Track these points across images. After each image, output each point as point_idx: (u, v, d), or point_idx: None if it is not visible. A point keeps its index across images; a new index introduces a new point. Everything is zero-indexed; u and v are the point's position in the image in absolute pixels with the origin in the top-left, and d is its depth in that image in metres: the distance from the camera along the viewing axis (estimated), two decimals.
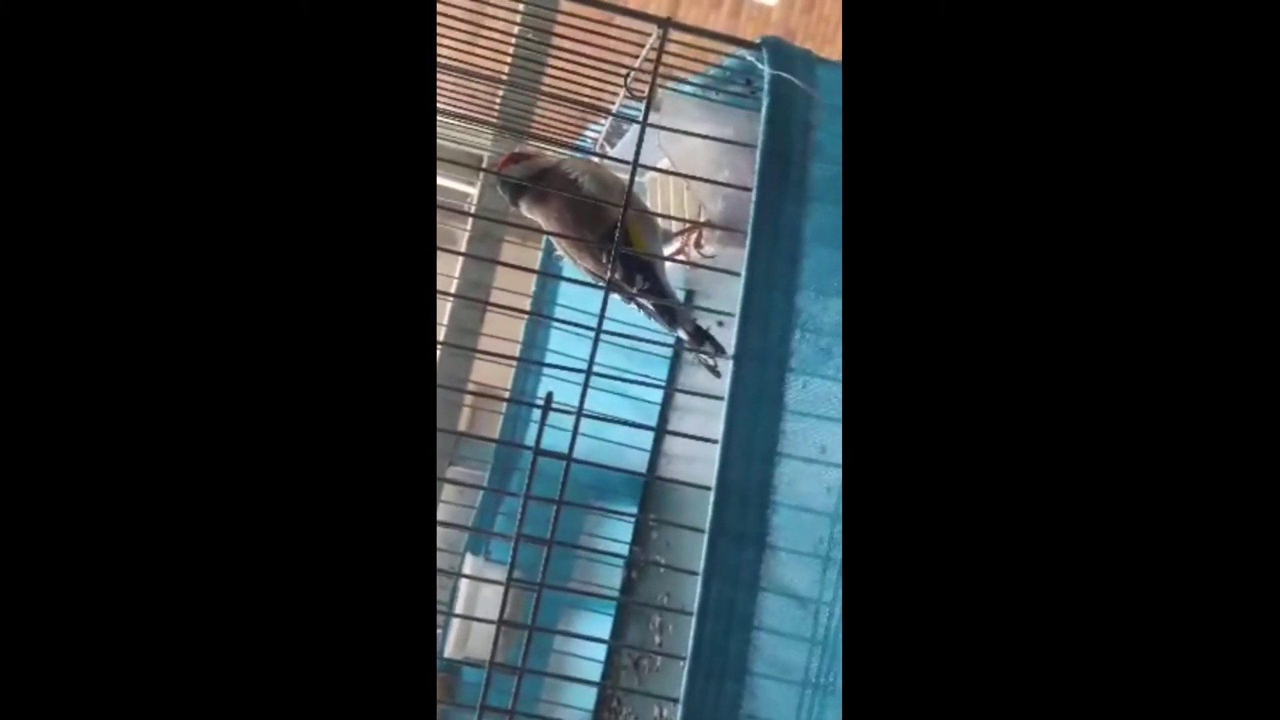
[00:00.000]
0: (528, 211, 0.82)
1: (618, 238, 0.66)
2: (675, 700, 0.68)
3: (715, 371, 0.74)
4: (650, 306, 0.76)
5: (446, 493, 1.11)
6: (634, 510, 1.09)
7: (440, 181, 1.15)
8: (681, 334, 0.77)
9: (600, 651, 1.10)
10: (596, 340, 0.66)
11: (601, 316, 0.66)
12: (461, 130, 1.06)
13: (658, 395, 1.09)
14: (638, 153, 0.63)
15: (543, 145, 0.89)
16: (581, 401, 0.66)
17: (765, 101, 0.65)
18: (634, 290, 0.76)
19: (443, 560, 1.11)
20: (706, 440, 0.67)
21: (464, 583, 1.11)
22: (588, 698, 1.12)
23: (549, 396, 0.67)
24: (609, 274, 0.67)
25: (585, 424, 0.66)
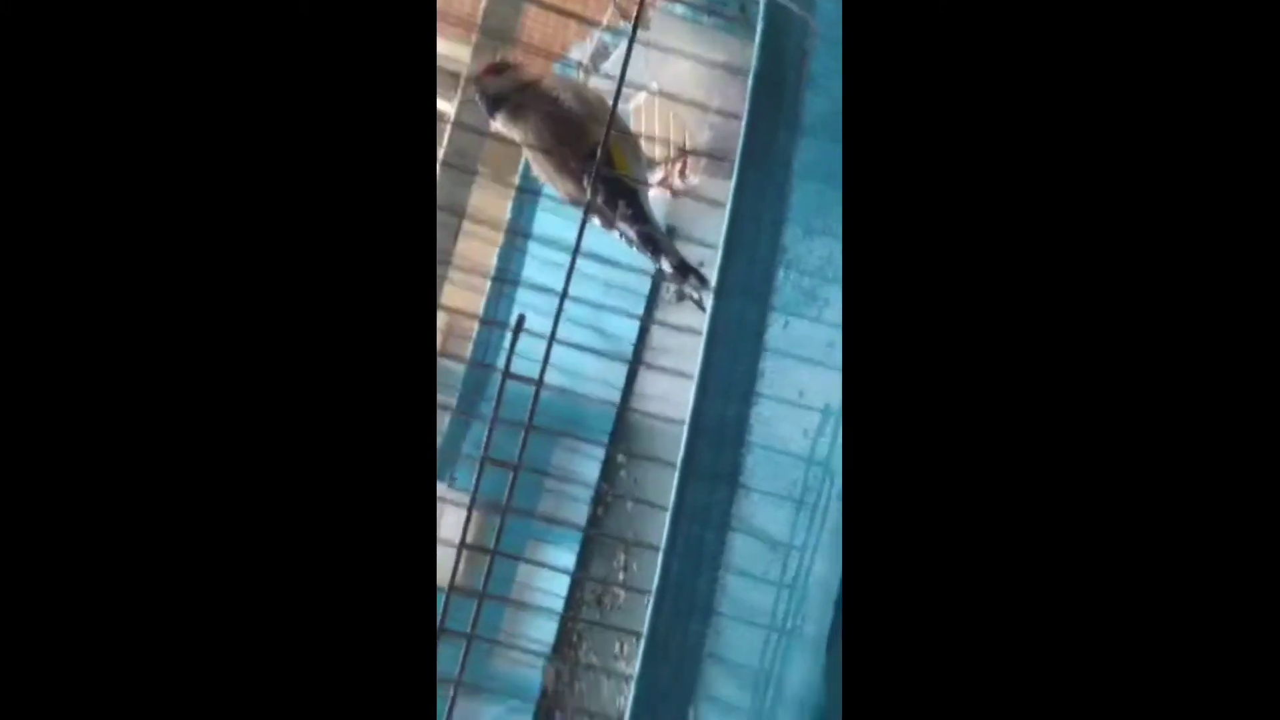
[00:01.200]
0: (505, 126, 0.78)
1: (599, 158, 0.63)
2: (637, 635, 0.68)
3: (700, 305, 0.71)
4: (632, 234, 0.74)
5: None
6: (603, 445, 1.07)
7: None
8: (665, 265, 0.74)
9: (563, 585, 1.10)
10: (573, 265, 0.64)
11: (579, 241, 0.64)
12: (439, 42, 1.02)
13: (633, 331, 1.07)
14: (623, 71, 0.60)
15: (526, 57, 0.86)
16: (555, 326, 0.64)
17: (759, 27, 0.62)
18: (615, 215, 0.73)
19: None
20: (681, 375, 0.65)
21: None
22: (548, 630, 1.12)
23: (520, 318, 0.65)
24: (589, 197, 0.65)
25: (558, 357, 0.64)
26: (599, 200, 0.71)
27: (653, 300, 1.08)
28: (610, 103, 0.61)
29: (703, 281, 0.69)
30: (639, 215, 0.72)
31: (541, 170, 0.79)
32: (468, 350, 1.10)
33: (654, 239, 0.74)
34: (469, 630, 0.65)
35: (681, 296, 1.01)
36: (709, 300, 0.65)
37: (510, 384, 0.66)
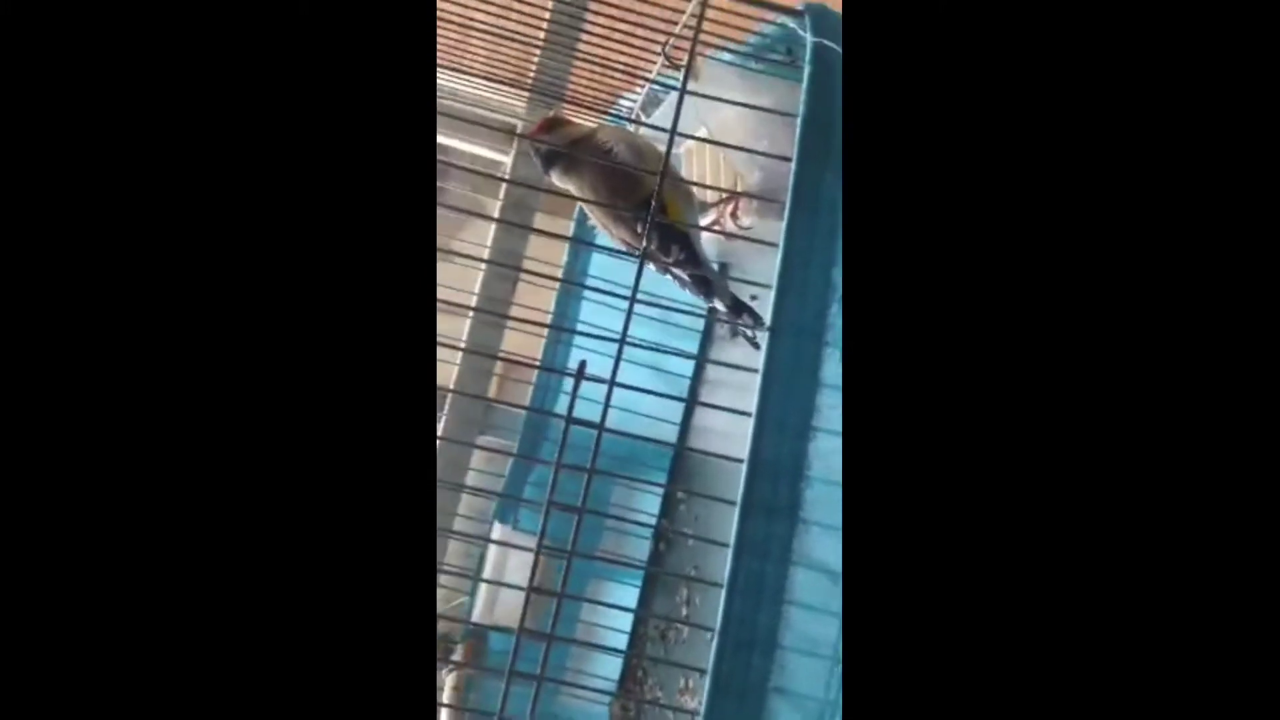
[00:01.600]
0: (560, 180, 0.81)
1: (654, 207, 0.65)
2: (701, 671, 0.68)
3: (754, 344, 0.73)
4: (685, 277, 0.76)
5: (476, 460, 1.11)
6: (663, 483, 1.09)
7: (473, 149, 1.15)
8: (719, 305, 0.76)
9: (626, 622, 1.10)
10: (630, 310, 0.65)
11: (635, 286, 0.66)
12: (495, 95, 1.06)
13: (688, 369, 1.08)
14: (676, 119, 0.62)
15: (578, 110, 0.88)
16: (614, 371, 0.66)
17: (807, 70, 0.64)
18: (669, 260, 0.75)
19: (471, 527, 1.11)
20: (739, 413, 0.67)
21: (492, 550, 1.11)
22: (613, 667, 1.13)
23: (582, 364, 0.67)
24: (644, 244, 0.67)
25: (616, 397, 0.66)
26: (653, 246, 0.73)
27: (706, 339, 1.10)
28: (662, 151, 0.63)
29: (756, 319, 0.71)
30: (692, 258, 0.74)
31: (597, 219, 0.82)
32: (528, 395, 1.13)
33: (707, 280, 0.76)
34: (539, 672, 0.66)
35: (735, 333, 1.03)
36: (763, 338, 0.67)
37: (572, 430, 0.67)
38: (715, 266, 1.01)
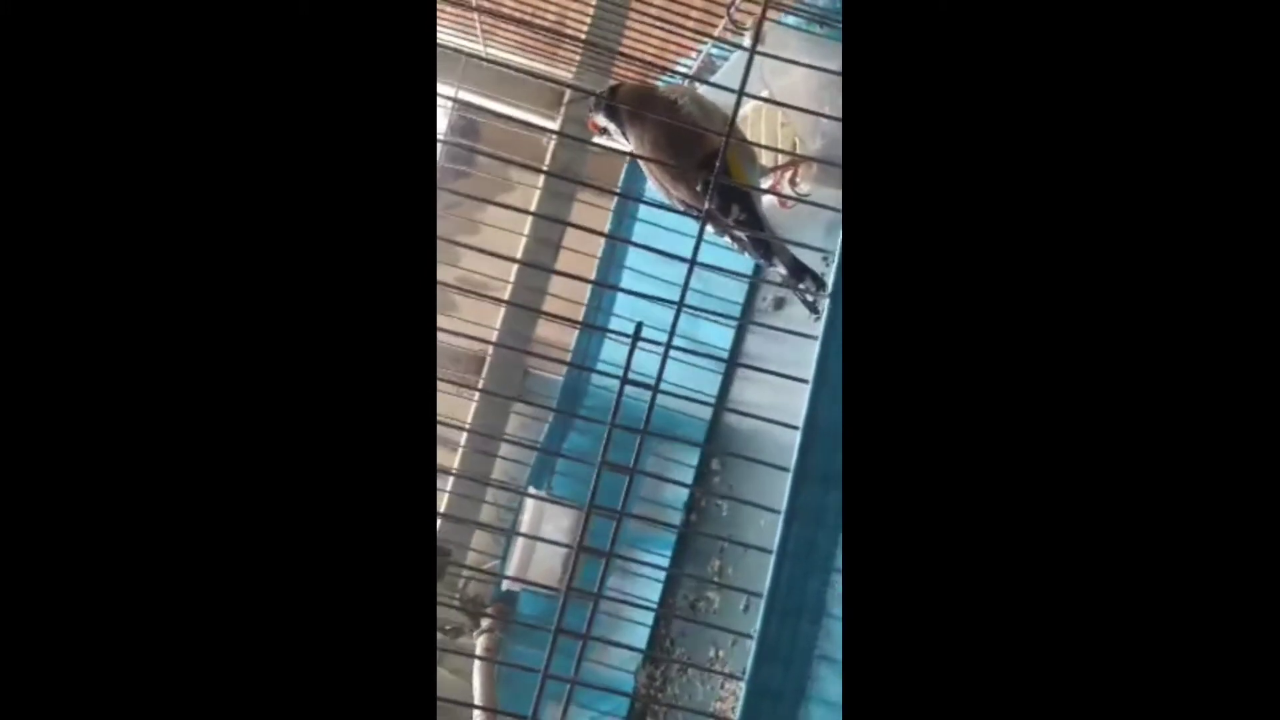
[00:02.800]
0: (622, 133, 0.80)
1: (718, 167, 0.64)
2: (744, 635, 0.68)
3: (814, 308, 0.73)
4: (745, 238, 0.75)
5: (511, 425, 1.11)
6: (698, 453, 1.09)
7: (519, 114, 1.14)
8: (780, 268, 0.75)
9: (654, 591, 1.11)
10: (690, 272, 0.65)
11: (696, 248, 0.65)
12: (542, 62, 1.05)
13: (726, 340, 1.08)
14: (744, 79, 0.61)
15: (634, 68, 0.87)
16: (671, 334, 0.65)
17: None
18: (730, 220, 0.74)
19: (504, 492, 1.12)
20: (792, 379, 0.66)
21: (526, 512, 1.11)
22: (639, 635, 1.13)
23: (638, 326, 0.67)
24: (705, 203, 0.66)
25: (648, 365, 0.65)
26: (714, 205, 0.72)
27: (748, 308, 1.09)
28: (727, 110, 0.62)
29: (819, 283, 0.70)
30: (754, 220, 0.73)
31: (655, 179, 0.81)
32: (562, 369, 1.13)
33: (767, 243, 0.75)
34: (584, 630, 0.66)
35: (779, 305, 1.02)
36: (824, 303, 0.66)
37: (600, 391, 0.67)
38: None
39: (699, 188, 0.75)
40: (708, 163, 0.68)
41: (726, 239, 0.78)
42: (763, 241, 0.74)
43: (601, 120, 0.80)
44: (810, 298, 0.74)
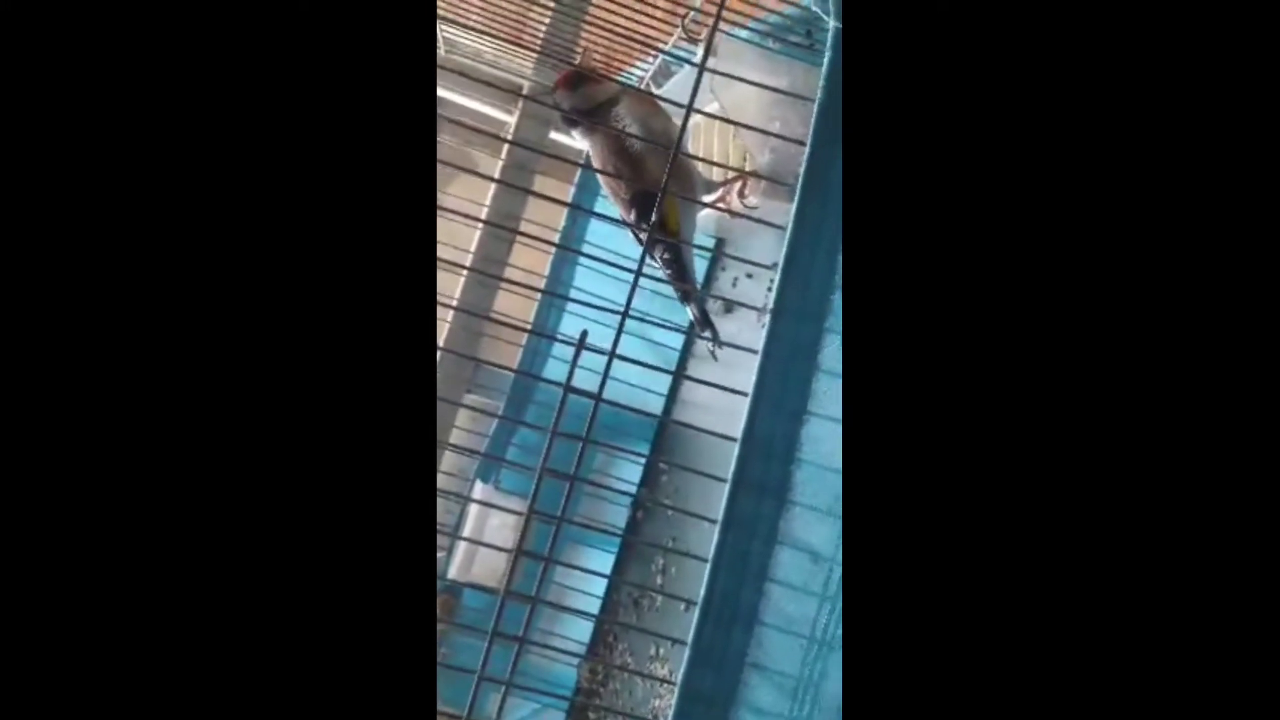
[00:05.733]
0: (579, 137, 0.81)
1: (654, 220, 0.65)
2: (676, 641, 0.69)
3: (714, 355, 0.77)
4: (667, 273, 0.78)
5: (460, 418, 1.11)
6: (646, 453, 1.09)
7: (477, 107, 1.14)
8: (690, 313, 0.79)
9: (600, 588, 1.12)
10: (635, 284, 0.66)
11: (641, 262, 0.66)
12: (504, 56, 1.05)
13: (677, 342, 1.09)
14: (692, 98, 0.62)
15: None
16: (615, 343, 0.66)
17: (827, 56, 0.64)
18: (656, 257, 0.76)
19: (452, 484, 1.12)
20: (733, 391, 0.67)
21: (472, 509, 1.12)
22: (584, 631, 1.14)
23: (584, 334, 0.67)
24: (641, 243, 0.67)
25: (601, 364, 0.66)
26: (645, 239, 0.74)
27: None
28: (674, 135, 0.63)
29: (716, 338, 0.73)
30: (679, 273, 0.77)
31: (604, 185, 0.82)
32: (517, 357, 1.13)
33: (687, 293, 0.78)
34: (520, 634, 0.67)
35: (729, 309, 1.03)
36: (732, 337, 0.68)
37: (556, 393, 0.68)
38: (711, 242, 1.02)
39: (633, 216, 0.76)
40: (646, 193, 0.71)
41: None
42: (683, 289, 0.78)
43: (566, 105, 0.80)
44: (711, 347, 0.79)
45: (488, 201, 1.07)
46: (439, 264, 0.50)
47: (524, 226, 1.04)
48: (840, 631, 0.71)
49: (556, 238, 1.10)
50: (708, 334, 0.79)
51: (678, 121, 0.62)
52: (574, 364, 0.66)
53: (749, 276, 1.01)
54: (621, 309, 0.66)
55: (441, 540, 1.13)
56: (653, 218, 0.67)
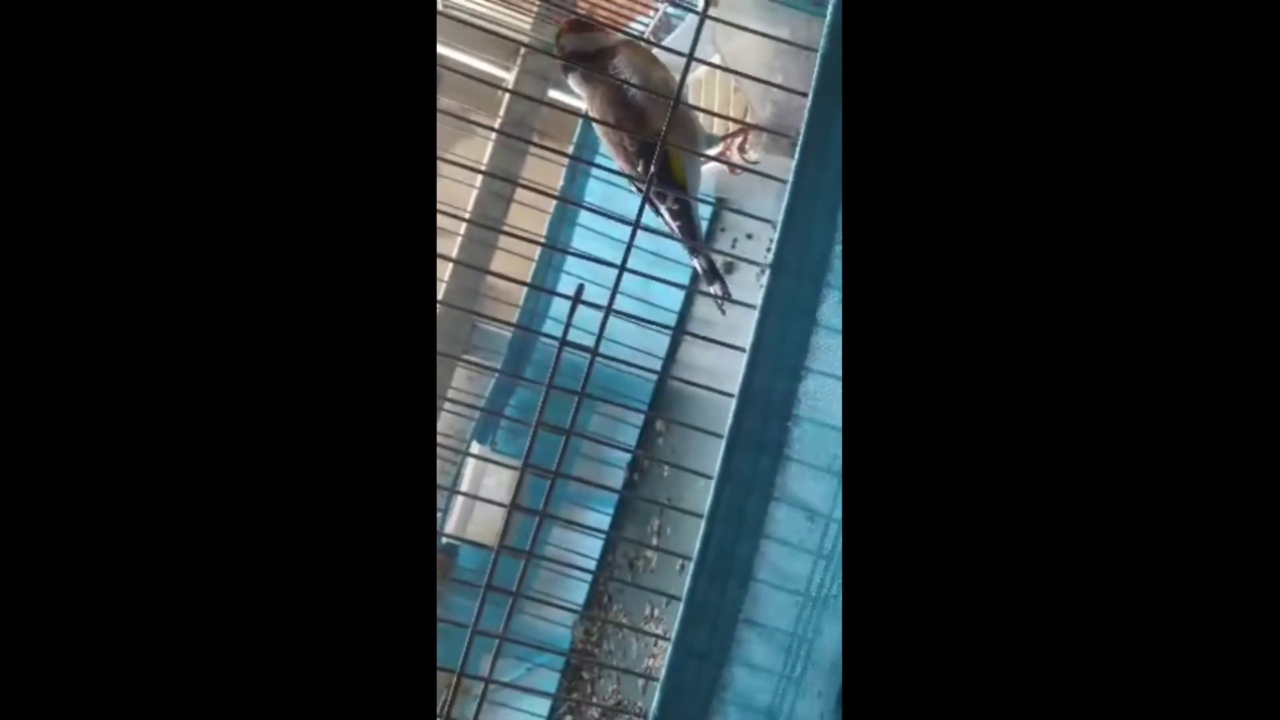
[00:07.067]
0: (577, 87, 0.80)
1: (656, 164, 0.64)
2: (672, 598, 0.69)
3: (720, 309, 0.75)
4: (674, 228, 0.77)
5: (457, 379, 1.11)
6: (643, 411, 1.09)
7: (475, 63, 1.12)
8: (696, 265, 0.77)
9: (595, 548, 1.12)
10: (632, 239, 0.65)
11: (638, 217, 0.65)
12: (502, 11, 1.03)
13: (675, 302, 1.08)
14: (692, 50, 0.61)
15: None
16: (611, 298, 0.66)
17: (830, 5, 0.63)
18: (663, 207, 0.75)
19: (449, 444, 1.11)
20: (732, 347, 0.67)
21: (468, 472, 1.12)
22: (580, 590, 1.14)
23: (580, 289, 0.67)
24: (645, 186, 0.66)
25: (596, 325, 0.66)
26: (650, 191, 0.73)
27: (698, 273, 1.10)
28: (675, 87, 0.62)
29: (725, 292, 0.72)
30: (687, 226, 0.76)
31: (604, 139, 0.81)
32: (514, 316, 1.12)
33: (694, 243, 0.77)
34: (514, 588, 0.67)
35: (730, 269, 1.03)
36: (740, 294, 0.67)
37: (549, 346, 0.67)
38: (713, 199, 1.01)
39: (639, 168, 0.75)
40: (647, 143, 0.69)
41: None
42: (691, 235, 0.76)
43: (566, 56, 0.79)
44: (718, 300, 0.76)
45: (484, 162, 1.06)
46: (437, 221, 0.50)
47: (522, 185, 1.03)
48: (835, 588, 0.71)
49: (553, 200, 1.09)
50: (715, 288, 0.78)
51: (678, 75, 0.62)
52: (570, 318, 0.66)
53: (749, 237, 1.00)
54: (618, 268, 0.65)
55: (439, 500, 1.13)
56: (653, 168, 0.66)
